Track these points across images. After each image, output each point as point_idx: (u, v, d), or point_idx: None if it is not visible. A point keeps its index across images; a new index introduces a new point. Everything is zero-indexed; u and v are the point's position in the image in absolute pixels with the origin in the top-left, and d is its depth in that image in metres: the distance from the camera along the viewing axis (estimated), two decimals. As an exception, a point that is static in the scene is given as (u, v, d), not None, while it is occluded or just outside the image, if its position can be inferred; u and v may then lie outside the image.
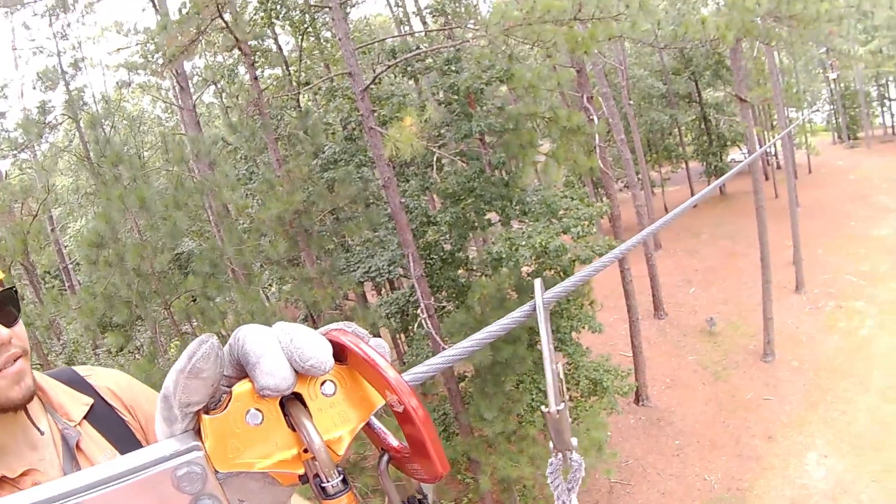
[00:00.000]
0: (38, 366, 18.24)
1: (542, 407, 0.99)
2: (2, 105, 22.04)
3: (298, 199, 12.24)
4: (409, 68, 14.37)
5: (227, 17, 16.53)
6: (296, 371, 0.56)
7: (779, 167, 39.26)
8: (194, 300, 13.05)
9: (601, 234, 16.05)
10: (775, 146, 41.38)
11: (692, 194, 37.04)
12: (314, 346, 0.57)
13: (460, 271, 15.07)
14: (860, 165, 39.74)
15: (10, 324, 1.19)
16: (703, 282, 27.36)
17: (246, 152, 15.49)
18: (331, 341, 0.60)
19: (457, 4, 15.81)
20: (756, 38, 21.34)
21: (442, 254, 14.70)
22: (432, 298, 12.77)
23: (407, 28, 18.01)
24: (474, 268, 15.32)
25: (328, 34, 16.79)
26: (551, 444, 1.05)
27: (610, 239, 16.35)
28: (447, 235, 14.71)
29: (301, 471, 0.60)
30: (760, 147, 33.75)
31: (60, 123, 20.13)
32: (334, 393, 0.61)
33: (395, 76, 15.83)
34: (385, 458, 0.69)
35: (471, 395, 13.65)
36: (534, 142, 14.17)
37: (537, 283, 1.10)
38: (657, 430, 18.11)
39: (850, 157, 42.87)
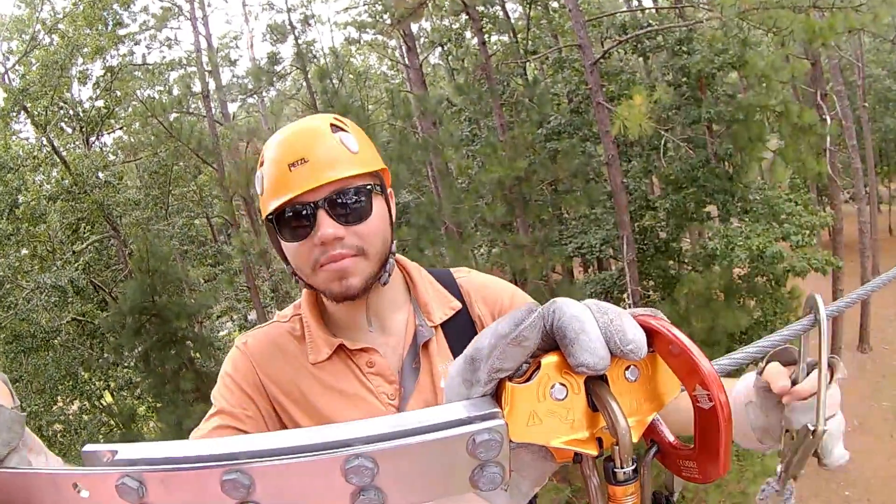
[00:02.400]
0: (246, 288, 20.40)
1: (809, 423, 0.95)
2: (233, 54, 24.28)
3: (520, 166, 12.53)
4: (639, 45, 14.16)
5: None
6: (611, 352, 0.56)
7: None
8: (404, 250, 13.91)
9: (819, 248, 15.04)
10: None
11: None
12: (634, 329, 0.57)
13: (671, 262, 14.83)
14: None
15: (350, 223, 1.27)
16: None
17: (471, 114, 16.02)
18: (640, 325, 0.59)
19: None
20: None
21: (656, 241, 14.49)
22: (639, 286, 12.72)
23: (637, 3, 17.68)
24: (686, 261, 14.99)
25: (556, 4, 16.86)
26: (779, 467, 1.01)
27: (828, 254, 15.31)
28: (664, 223, 14.48)
29: (595, 452, 0.60)
30: None
31: (289, 73, 21.85)
32: (636, 379, 0.61)
33: (625, 52, 15.62)
34: (653, 449, 0.68)
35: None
36: (763, 136, 13.50)
37: (818, 297, 1.03)
38: (829, 474, 16.73)
39: None
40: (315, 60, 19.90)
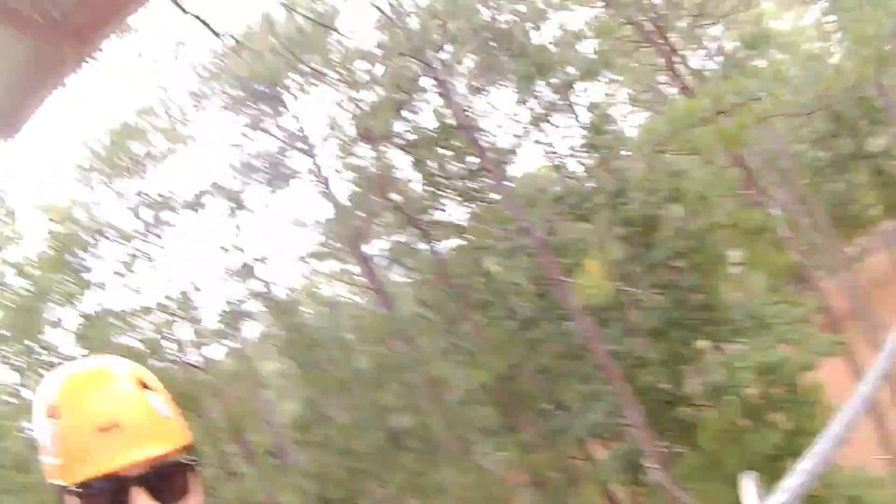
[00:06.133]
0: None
1: None
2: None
3: (501, 365, 12.39)
4: (578, 212, 14.54)
5: (394, 196, 17.88)
6: None
7: None
8: (413, 475, 13.31)
9: (816, 332, 14.67)
10: None
11: (897, 258, 33.47)
12: None
13: (683, 408, 14.30)
14: None
15: (169, 500, 1.14)
16: None
17: (441, 324, 16.07)
18: None
19: (605, 137, 16.04)
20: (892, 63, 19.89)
21: (659, 394, 14.07)
22: (657, 443, 12.16)
23: (565, 172, 18.56)
24: (696, 402, 14.50)
25: (496, 196, 17.55)
26: None
27: (829, 335, 14.91)
28: (660, 375, 14.11)
29: None
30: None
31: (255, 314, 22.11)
32: None
33: (569, 222, 16.05)
34: None
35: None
36: (721, 254, 13.60)
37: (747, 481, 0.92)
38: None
39: None
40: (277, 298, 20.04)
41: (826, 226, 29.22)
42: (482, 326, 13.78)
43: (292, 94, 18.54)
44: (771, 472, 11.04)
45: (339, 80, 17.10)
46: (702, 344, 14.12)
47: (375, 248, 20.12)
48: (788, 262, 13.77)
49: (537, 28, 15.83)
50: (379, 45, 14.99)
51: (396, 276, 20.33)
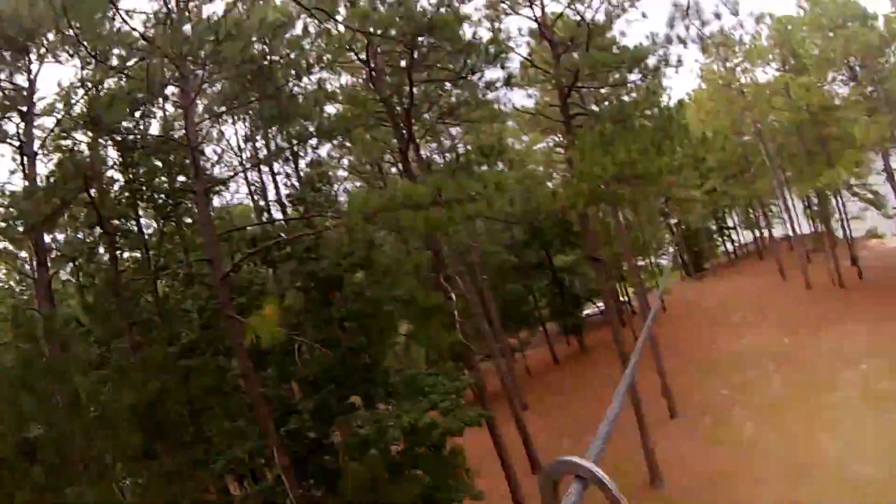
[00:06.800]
0: None
1: None
2: None
3: (153, 388, 12.04)
4: (268, 256, 14.91)
5: (93, 192, 16.67)
6: None
7: (633, 312, 42.59)
8: (42, 491, 12.16)
9: (467, 407, 16.66)
10: (628, 294, 45.13)
11: (552, 353, 39.38)
12: None
13: (327, 458, 15.01)
14: (711, 292, 43.73)
15: None
16: (576, 433, 28.02)
17: (100, 335, 15.11)
18: None
19: (318, 194, 16.80)
20: (604, 201, 23.53)
21: (307, 441, 14.64)
22: (301, 488, 12.56)
23: (267, 216, 18.82)
24: (342, 452, 15.34)
25: (189, 220, 17.19)
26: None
27: (478, 409, 16.93)
28: (311, 423, 14.72)
29: None
30: (614, 299, 36.70)
31: None
32: None
33: (255, 264, 16.26)
34: None
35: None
36: (394, 324, 14.79)
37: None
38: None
39: (699, 288, 47.08)
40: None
41: (496, 317, 33.47)
42: (141, 345, 13.28)
43: (39, 54, 16.58)
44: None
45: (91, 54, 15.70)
46: (357, 400, 15.03)
47: (55, 239, 18.47)
48: (454, 340, 15.24)
49: (298, 78, 16.07)
50: (144, 37, 14.07)
51: (66, 275, 18.73)
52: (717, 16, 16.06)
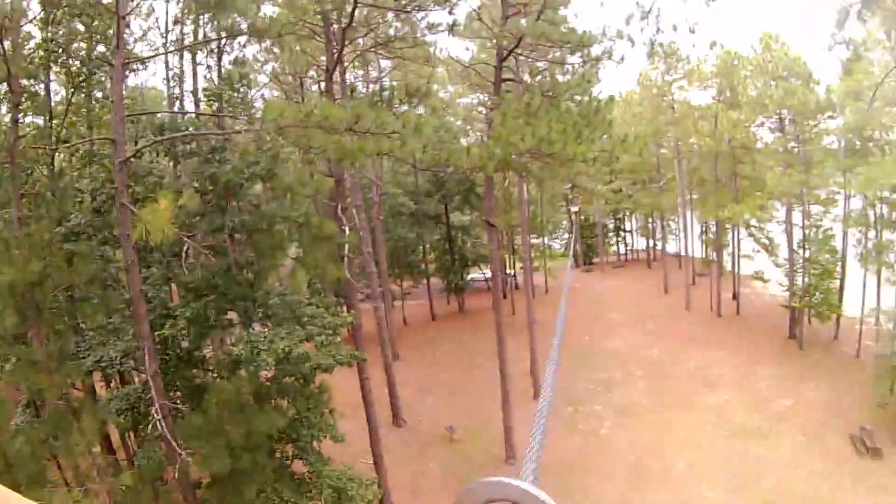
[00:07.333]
0: None
1: None
2: None
3: (35, 269, 10.97)
4: (172, 148, 13.94)
5: (6, 43, 14.87)
6: None
7: (517, 287, 43.72)
8: None
9: (343, 344, 16.49)
10: (514, 268, 46.26)
11: (431, 309, 39.97)
12: None
13: (196, 371, 14.40)
14: (595, 287, 45.28)
15: None
16: (443, 392, 28.70)
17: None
18: None
19: (235, 93, 15.89)
20: (514, 170, 23.87)
21: (179, 350, 13.94)
22: (167, 399, 12.00)
23: (180, 106, 17.54)
24: (211, 368, 14.75)
25: (100, 94, 15.81)
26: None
27: (352, 349, 16.84)
28: (185, 332, 14.03)
29: None
30: (502, 268, 37.53)
31: None
32: None
33: (158, 154, 15.19)
34: None
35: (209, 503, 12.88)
36: (283, 245, 14.18)
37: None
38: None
39: (586, 280, 48.65)
40: None
41: (384, 260, 33.40)
42: (28, 220, 12.07)
43: None
44: (269, 451, 11.80)
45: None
46: (233, 318, 14.47)
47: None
48: (341, 275, 14.96)
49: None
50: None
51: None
52: (675, 28, 16.33)
